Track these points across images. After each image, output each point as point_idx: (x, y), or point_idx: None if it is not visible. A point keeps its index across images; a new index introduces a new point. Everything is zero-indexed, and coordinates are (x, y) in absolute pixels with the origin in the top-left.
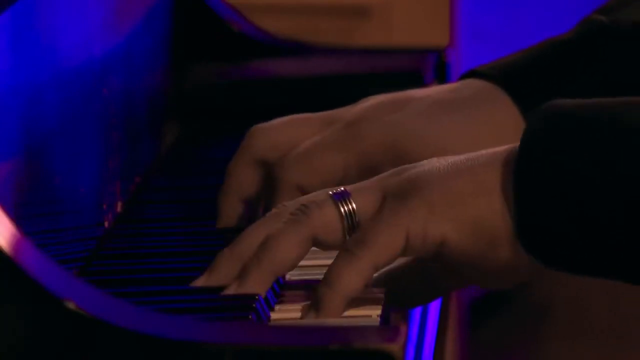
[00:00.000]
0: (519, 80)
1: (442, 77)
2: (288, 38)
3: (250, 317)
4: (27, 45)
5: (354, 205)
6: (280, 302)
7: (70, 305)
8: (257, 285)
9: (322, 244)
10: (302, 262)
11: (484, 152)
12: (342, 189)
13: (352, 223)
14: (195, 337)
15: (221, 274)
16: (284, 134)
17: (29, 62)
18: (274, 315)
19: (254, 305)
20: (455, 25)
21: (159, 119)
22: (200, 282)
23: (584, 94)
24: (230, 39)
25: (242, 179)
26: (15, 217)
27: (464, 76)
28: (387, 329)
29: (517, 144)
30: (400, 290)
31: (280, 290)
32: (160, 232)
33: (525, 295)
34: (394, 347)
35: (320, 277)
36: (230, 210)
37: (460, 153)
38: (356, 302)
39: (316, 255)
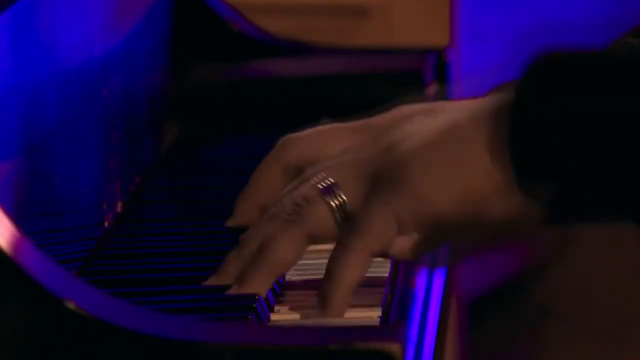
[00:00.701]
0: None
1: (442, 77)
2: (288, 38)
3: (250, 317)
4: (27, 45)
5: (343, 197)
6: (280, 302)
7: (70, 305)
8: (258, 286)
9: (318, 240)
10: (302, 261)
11: (464, 114)
12: (330, 181)
13: (343, 214)
14: (195, 337)
15: (228, 276)
16: (315, 143)
17: (29, 62)
18: (274, 316)
19: (254, 305)
20: (455, 25)
21: (159, 119)
22: (209, 282)
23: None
24: (230, 39)
25: (266, 185)
26: (15, 217)
27: (495, 90)
28: (387, 329)
29: (498, 98)
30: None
31: (280, 290)
32: (160, 232)
33: (526, 296)
34: (394, 347)
35: (320, 276)
36: (246, 214)
37: None
38: (356, 301)
39: (319, 255)
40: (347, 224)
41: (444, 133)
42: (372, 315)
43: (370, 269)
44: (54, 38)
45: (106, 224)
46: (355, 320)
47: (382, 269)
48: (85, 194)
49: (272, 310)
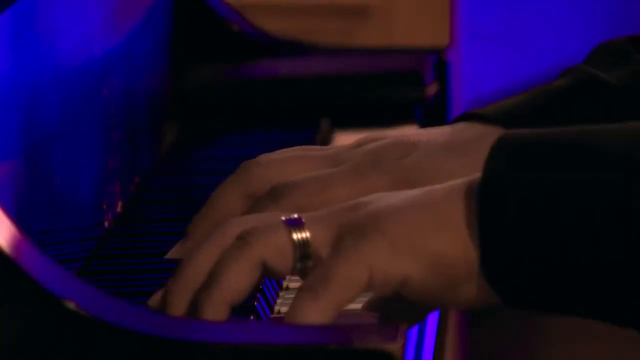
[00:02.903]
0: (520, 123)
1: (442, 77)
2: (288, 38)
3: (250, 317)
4: (27, 45)
5: (307, 234)
6: (281, 303)
7: (70, 305)
8: (213, 316)
9: (271, 271)
10: None
11: (439, 186)
12: (296, 216)
13: (304, 252)
14: (195, 337)
15: (174, 308)
16: (282, 170)
17: (29, 62)
18: (274, 316)
19: (254, 305)
20: (455, 25)
21: (159, 119)
22: (152, 305)
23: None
24: (230, 39)
25: (224, 209)
26: (15, 217)
27: (462, 118)
28: (387, 329)
29: (475, 176)
30: (387, 316)
31: (281, 290)
32: (160, 232)
33: None
34: (394, 347)
35: None
36: (202, 232)
37: None
38: (357, 302)
39: None
40: (306, 262)
41: (421, 197)
42: (372, 315)
43: None
44: (54, 38)
45: (106, 224)
46: (356, 320)
47: None
48: (85, 194)
49: (272, 310)
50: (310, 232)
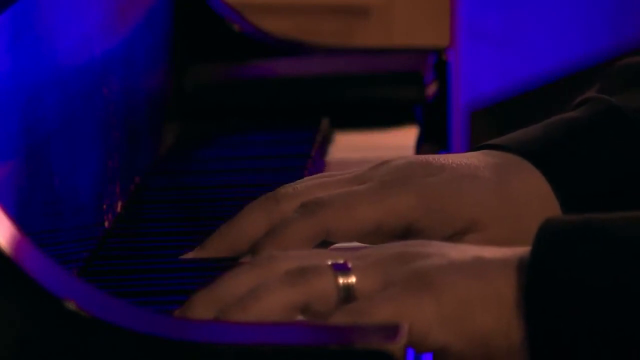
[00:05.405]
0: (542, 151)
1: (442, 77)
2: (288, 38)
3: None
4: (27, 45)
5: (353, 280)
6: None
7: (70, 305)
8: None
9: (310, 313)
10: None
11: (491, 254)
12: (343, 262)
13: (347, 296)
14: (195, 337)
15: (196, 315)
16: (312, 196)
17: (29, 62)
18: None
19: None
20: (455, 25)
21: (159, 119)
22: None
23: (606, 166)
24: (230, 39)
25: (248, 233)
26: (15, 217)
27: (483, 147)
28: (387, 329)
29: (526, 250)
30: None
31: None
32: (160, 232)
33: None
34: (394, 347)
35: None
36: (217, 251)
37: (491, 214)
38: None
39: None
40: (349, 305)
41: (474, 267)
42: None
43: None
44: (54, 38)
45: (106, 224)
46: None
47: None
48: (85, 194)
49: None
50: (357, 278)
